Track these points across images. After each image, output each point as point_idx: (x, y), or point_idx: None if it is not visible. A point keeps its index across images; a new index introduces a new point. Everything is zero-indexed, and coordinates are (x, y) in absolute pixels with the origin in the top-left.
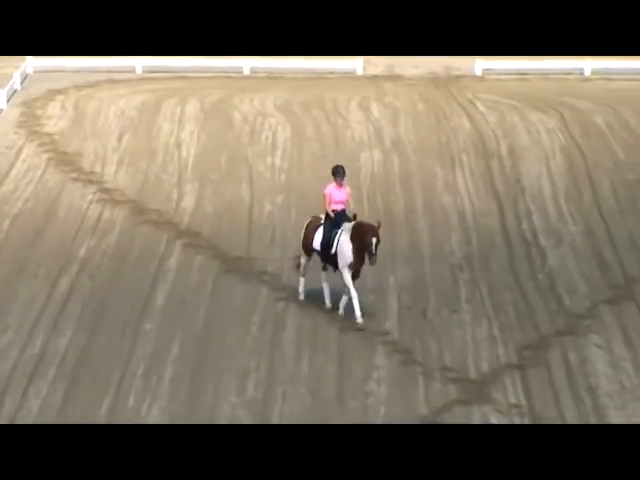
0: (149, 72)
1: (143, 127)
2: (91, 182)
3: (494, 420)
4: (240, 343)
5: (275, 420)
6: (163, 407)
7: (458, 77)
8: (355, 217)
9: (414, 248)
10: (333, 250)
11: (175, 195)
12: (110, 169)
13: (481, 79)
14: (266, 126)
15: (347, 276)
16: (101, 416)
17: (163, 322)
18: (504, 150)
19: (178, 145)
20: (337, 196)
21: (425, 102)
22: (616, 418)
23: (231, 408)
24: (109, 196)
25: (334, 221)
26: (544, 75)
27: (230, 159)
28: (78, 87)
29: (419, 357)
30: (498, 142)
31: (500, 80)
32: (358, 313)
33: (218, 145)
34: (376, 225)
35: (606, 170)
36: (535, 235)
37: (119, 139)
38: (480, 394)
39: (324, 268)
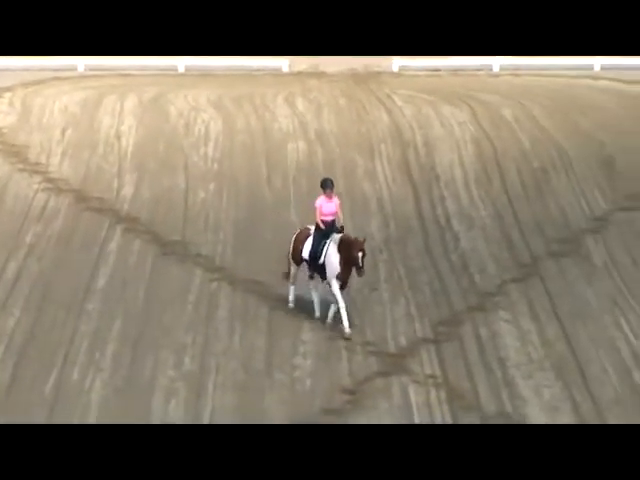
0: (91, 70)
1: (85, 121)
2: (37, 172)
3: (412, 391)
4: (177, 320)
5: (210, 392)
6: (105, 380)
7: (377, 74)
8: (342, 229)
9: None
10: (321, 260)
11: (115, 184)
12: (55, 160)
13: (398, 75)
14: (199, 119)
15: (335, 286)
16: (48, 389)
17: (105, 302)
18: (419, 140)
19: (118, 137)
20: (327, 208)
21: (346, 97)
22: (524, 388)
23: (169, 381)
24: (54, 185)
25: (323, 232)
26: (456, 71)
27: (166, 150)
28: (25, 85)
29: (342, 333)
30: (414, 133)
31: (415, 76)
32: (346, 323)
33: (155, 137)
34: (361, 240)
35: (513, 159)
36: (448, 219)
37: (63, 132)
38: (399, 366)
39: (311, 277)
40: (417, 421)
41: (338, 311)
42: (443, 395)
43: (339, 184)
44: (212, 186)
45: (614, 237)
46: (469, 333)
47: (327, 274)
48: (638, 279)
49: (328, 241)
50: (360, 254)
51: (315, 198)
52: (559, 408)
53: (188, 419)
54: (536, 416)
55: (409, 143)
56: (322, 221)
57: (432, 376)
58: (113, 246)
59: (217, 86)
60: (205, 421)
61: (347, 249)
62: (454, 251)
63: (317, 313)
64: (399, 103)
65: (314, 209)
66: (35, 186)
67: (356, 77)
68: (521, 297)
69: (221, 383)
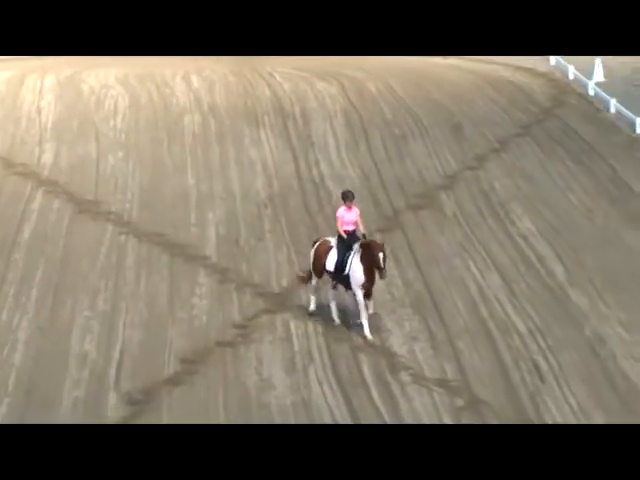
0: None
1: (9, 98)
2: None
3: (292, 324)
4: (91, 268)
5: (120, 329)
6: (30, 320)
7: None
8: (365, 236)
9: (228, 191)
10: (346, 272)
11: (37, 152)
12: None
13: (277, 56)
14: (109, 96)
15: (360, 296)
16: None
17: (29, 253)
18: (297, 112)
19: (39, 112)
20: (348, 218)
21: (234, 75)
22: (388, 321)
23: (85, 320)
24: None
25: (346, 243)
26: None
27: (80, 123)
28: None
29: (233, 276)
30: (292, 105)
31: (293, 57)
32: (367, 331)
33: (71, 112)
34: (381, 243)
35: (377, 127)
36: (322, 179)
37: None
38: (282, 304)
39: (334, 287)
40: (296, 349)
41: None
42: (319, 328)
43: (229, 151)
44: (120, 154)
45: (463, 192)
46: None
47: (352, 284)
48: (483, 227)
49: (352, 252)
50: (381, 255)
51: (210, 164)
52: (417, 338)
53: (101, 353)
54: (399, 345)
55: (288, 114)
56: (344, 230)
57: (310, 313)
58: (35, 205)
59: (124, 66)
60: (116, 354)
61: (368, 253)
62: (327, 205)
63: (336, 320)
64: (279, 80)
65: (336, 219)
66: None
67: (243, 58)
68: (385, 245)
69: (130, 321)
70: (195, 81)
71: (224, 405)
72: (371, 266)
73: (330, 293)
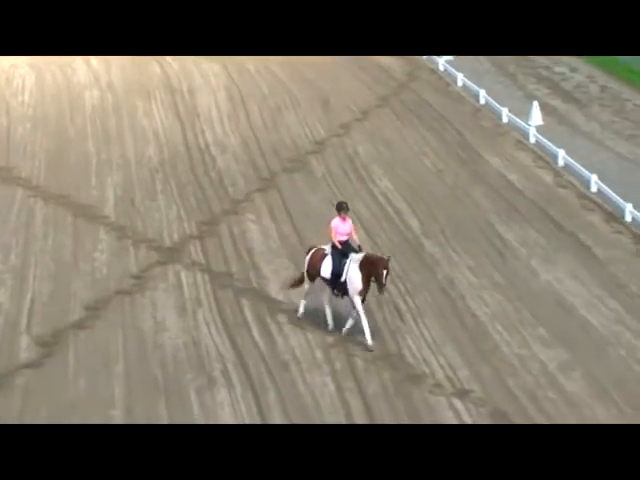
0: None
1: None
2: None
3: (183, 274)
4: (3, 227)
5: (30, 281)
6: None
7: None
8: (360, 248)
9: (124, 157)
10: (343, 278)
11: None
12: None
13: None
14: (17, 75)
15: (357, 302)
16: None
17: None
18: (184, 88)
19: None
20: (342, 229)
21: (130, 59)
22: (266, 270)
23: None
24: None
25: (342, 252)
26: None
27: None
28: None
29: (130, 233)
30: (180, 82)
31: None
32: (368, 336)
33: None
34: (386, 258)
35: (255, 100)
36: (208, 146)
37: None
38: (173, 257)
39: (335, 294)
40: (187, 296)
41: (354, 325)
42: (207, 277)
43: (124, 122)
44: (28, 125)
45: (330, 156)
46: (225, 231)
47: (349, 291)
48: (348, 187)
49: (348, 260)
50: (385, 271)
51: (108, 133)
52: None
53: (14, 302)
54: (275, 291)
55: (177, 90)
56: (338, 241)
57: (198, 263)
58: None
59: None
60: (27, 303)
61: (371, 267)
62: (212, 170)
63: (330, 325)
64: (169, 60)
65: (330, 229)
66: None
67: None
68: (263, 203)
69: (39, 274)
70: (94, 63)
71: (123, 345)
72: (369, 276)
73: (325, 298)
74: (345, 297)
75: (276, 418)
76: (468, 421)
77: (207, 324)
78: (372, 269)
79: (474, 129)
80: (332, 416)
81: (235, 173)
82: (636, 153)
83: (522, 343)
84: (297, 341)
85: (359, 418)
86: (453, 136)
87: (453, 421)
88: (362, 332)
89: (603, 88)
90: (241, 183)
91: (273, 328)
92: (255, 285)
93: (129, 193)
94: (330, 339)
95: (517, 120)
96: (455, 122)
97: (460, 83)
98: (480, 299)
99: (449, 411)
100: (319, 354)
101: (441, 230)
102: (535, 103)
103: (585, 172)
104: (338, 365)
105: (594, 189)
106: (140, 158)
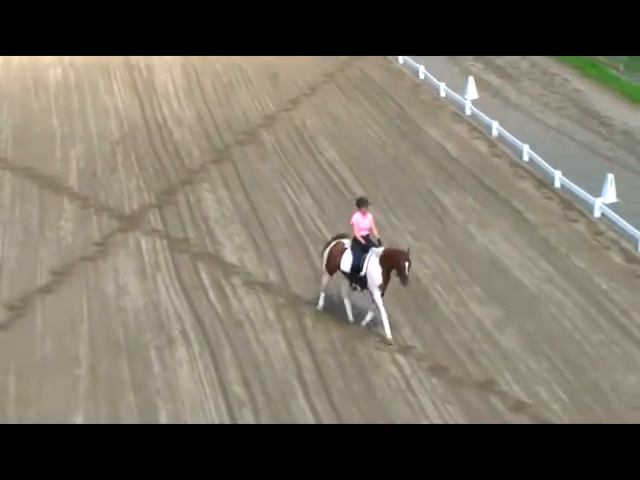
0: None
1: None
2: None
3: (143, 241)
4: None
5: None
6: None
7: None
8: (379, 241)
9: (86, 131)
10: (363, 272)
11: None
12: None
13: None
14: None
15: (377, 295)
16: None
17: None
18: (142, 65)
19: None
20: (363, 224)
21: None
22: (221, 236)
23: None
24: None
25: (363, 246)
26: None
27: None
28: None
29: (92, 202)
30: (138, 60)
31: None
32: (388, 330)
33: None
34: (406, 250)
35: (209, 77)
36: (165, 120)
37: None
38: (133, 224)
39: (354, 288)
40: (146, 261)
41: (373, 318)
42: (165, 243)
43: (87, 98)
44: None
45: (280, 129)
46: (182, 200)
47: (369, 285)
48: (297, 158)
49: (368, 255)
50: (407, 264)
51: (71, 109)
52: (245, 249)
53: None
54: (230, 255)
55: (135, 67)
56: (360, 236)
57: (157, 230)
58: None
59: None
60: None
61: (392, 260)
62: (169, 142)
63: (350, 317)
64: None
65: (351, 225)
66: None
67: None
68: (217, 173)
69: (7, 241)
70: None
71: (88, 308)
72: (390, 271)
73: (344, 291)
74: (364, 290)
75: (231, 374)
76: (409, 373)
77: (166, 287)
78: (393, 262)
79: (414, 103)
80: (283, 372)
81: (191, 145)
82: (564, 124)
83: (459, 301)
84: (250, 302)
85: (308, 375)
86: (395, 110)
87: (396, 374)
88: (381, 325)
89: (532, 64)
90: (196, 154)
91: (228, 290)
92: (211, 250)
93: (91, 165)
94: (281, 300)
95: (454, 94)
96: (396, 97)
97: (401, 60)
98: (420, 261)
99: (392, 365)
100: (271, 314)
101: (384, 197)
102: (471, 78)
103: (517, 142)
104: (289, 324)
105: (526, 158)
106: (102, 132)
